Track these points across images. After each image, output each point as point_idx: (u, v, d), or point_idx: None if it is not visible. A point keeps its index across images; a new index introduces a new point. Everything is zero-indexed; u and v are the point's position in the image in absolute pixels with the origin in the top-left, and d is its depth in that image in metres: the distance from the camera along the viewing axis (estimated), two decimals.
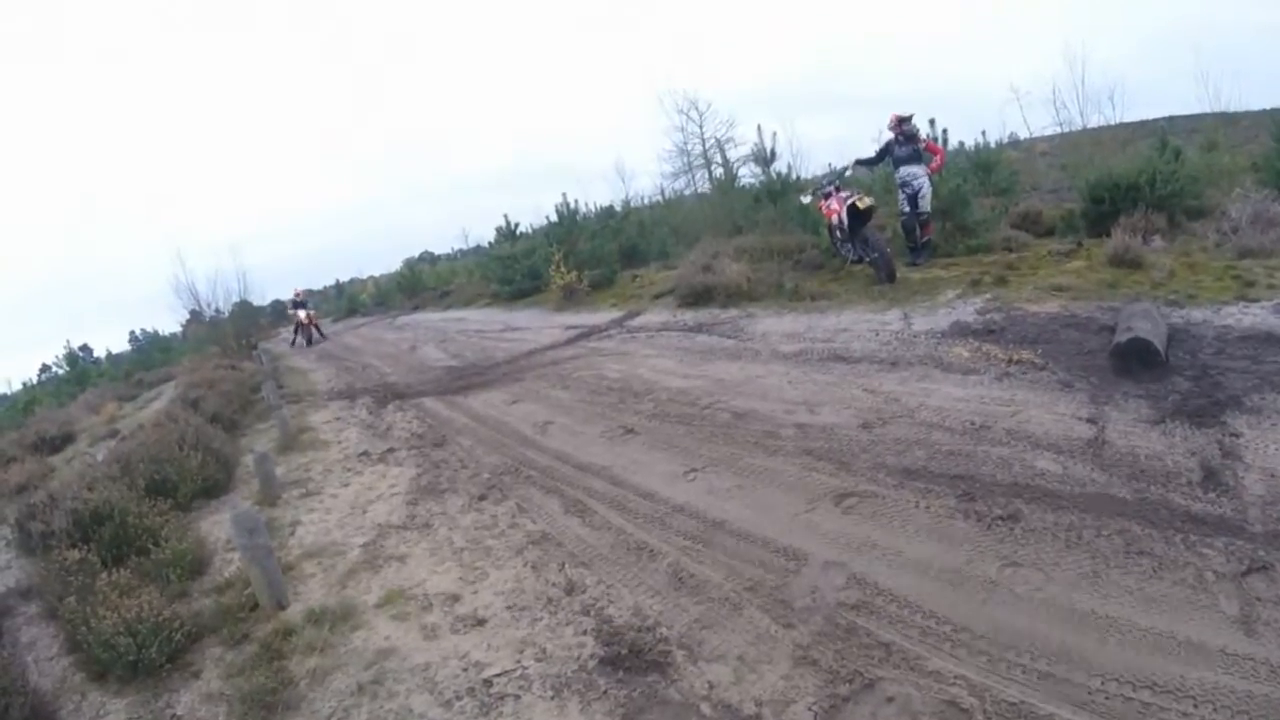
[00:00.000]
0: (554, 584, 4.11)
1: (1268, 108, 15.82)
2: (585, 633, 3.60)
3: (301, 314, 21.85)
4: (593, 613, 3.77)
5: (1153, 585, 3.18)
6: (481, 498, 5.55)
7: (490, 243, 24.00)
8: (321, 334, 22.20)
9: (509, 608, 3.96)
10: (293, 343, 21.88)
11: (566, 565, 4.30)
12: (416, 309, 25.84)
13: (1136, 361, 5.32)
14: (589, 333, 11.35)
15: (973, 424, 5.05)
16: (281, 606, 4.37)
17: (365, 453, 7.33)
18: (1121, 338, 5.51)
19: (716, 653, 3.26)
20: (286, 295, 24.80)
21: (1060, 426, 4.79)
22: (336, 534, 5.38)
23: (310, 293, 24.41)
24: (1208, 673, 2.67)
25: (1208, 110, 16.43)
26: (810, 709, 2.81)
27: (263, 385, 11.33)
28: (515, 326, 14.08)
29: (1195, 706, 2.52)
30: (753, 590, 3.68)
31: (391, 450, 7.26)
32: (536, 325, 13.37)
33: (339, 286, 46.67)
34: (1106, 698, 2.63)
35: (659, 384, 7.48)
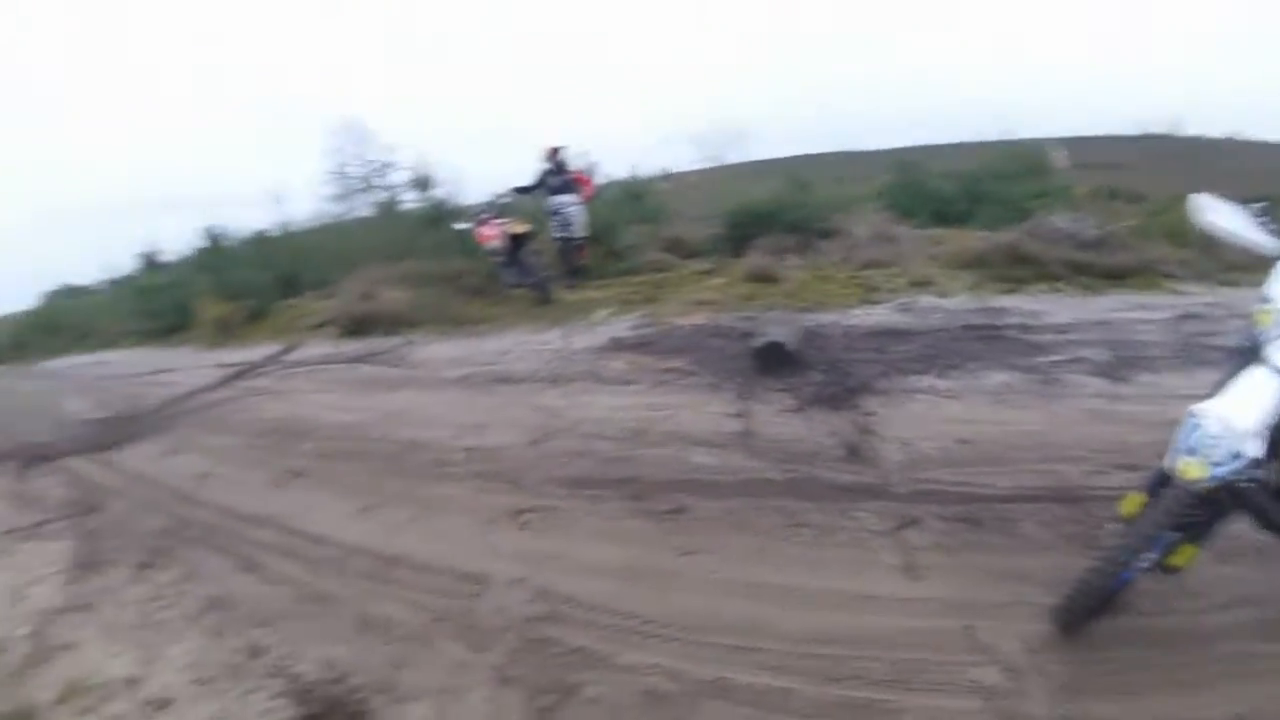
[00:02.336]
0: (236, 650, 3.64)
1: (890, 147, 19.07)
2: (278, 695, 3.24)
3: None
4: (282, 673, 3.39)
5: (817, 551, 3.47)
6: (146, 566, 4.76)
7: (133, 273, 21.10)
8: None
9: (194, 681, 3.47)
10: None
11: (246, 627, 3.82)
12: (56, 353, 21.89)
13: (775, 361, 5.88)
14: (246, 370, 10.33)
15: (633, 430, 5.24)
16: None
17: (13, 529, 5.92)
18: (759, 342, 6.07)
19: (415, 691, 3.09)
20: None
21: (712, 423, 5.12)
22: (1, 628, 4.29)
23: None
24: (885, 618, 2.96)
25: (837, 149, 19.35)
26: None
27: None
28: (165, 368, 12.47)
29: (883, 650, 2.79)
30: (441, 621, 3.51)
31: (44, 522, 5.95)
32: (188, 365, 11.96)
33: None
34: (799, 658, 2.81)
35: (323, 420, 6.98)
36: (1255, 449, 2.37)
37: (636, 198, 13.33)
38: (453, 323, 9.87)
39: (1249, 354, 2.56)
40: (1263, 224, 2.73)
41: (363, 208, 21.80)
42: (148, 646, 3.86)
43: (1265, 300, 2.55)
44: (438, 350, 8.89)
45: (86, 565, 5.01)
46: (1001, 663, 2.70)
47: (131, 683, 3.58)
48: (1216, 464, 2.36)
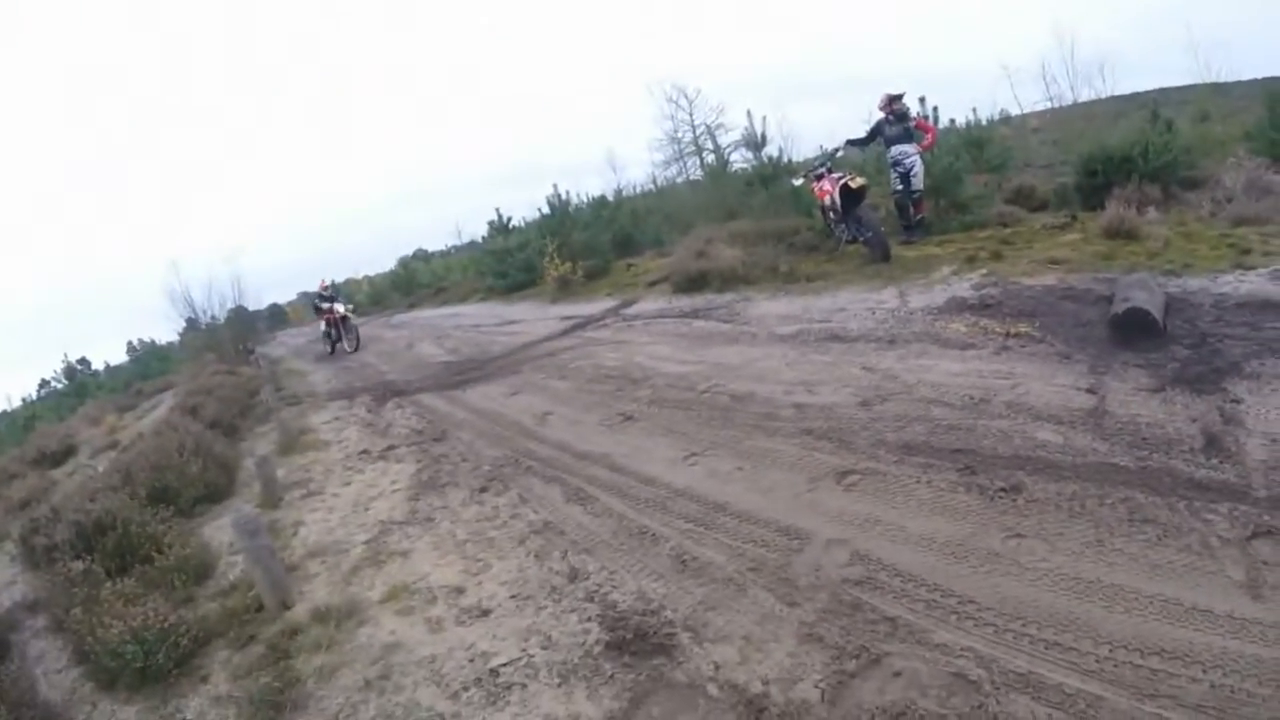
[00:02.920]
0: (557, 572, 4.21)
1: (1259, 77, 16.22)
2: (590, 619, 3.70)
3: (339, 308, 16.99)
4: (596, 599, 3.87)
5: (1157, 552, 3.31)
6: (483, 490, 5.65)
7: (484, 238, 23.93)
8: (356, 337, 16.94)
9: (513, 597, 4.06)
10: (331, 349, 17.11)
11: (569, 553, 4.39)
12: (412, 307, 25.84)
13: (1135, 331, 5.51)
14: (585, 323, 11.46)
15: (972, 398, 5.20)
16: (286, 607, 4.47)
17: (365, 451, 7.42)
18: (1119, 308, 5.70)
19: (722, 634, 3.36)
20: (294, 295, 23.59)
21: (1060, 397, 4.94)
22: (339, 532, 5.48)
23: (336, 286, 19.82)
24: (1215, 638, 2.78)
25: (1199, 81, 16.78)
26: (817, 686, 2.91)
27: (261, 389, 11.37)
28: (511, 320, 14.18)
29: (1204, 672, 2.63)
30: (756, 570, 3.78)
31: (392, 447, 7.35)
32: (532, 317, 13.49)
33: (334, 287, 46.44)
34: (1115, 665, 2.74)
35: (656, 370, 7.60)
36: None
37: (978, 145, 12.56)
38: (785, 279, 10.11)
39: None
40: None
41: (693, 170, 22.79)
42: (475, 561, 4.57)
43: None
44: (769, 307, 9.21)
45: (428, 486, 5.97)
46: None
47: (454, 591, 4.26)
48: None
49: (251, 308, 27.73)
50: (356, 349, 16.33)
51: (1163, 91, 18.12)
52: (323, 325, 17.68)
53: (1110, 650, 2.81)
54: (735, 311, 9.43)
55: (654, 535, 4.37)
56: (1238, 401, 4.46)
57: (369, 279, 42.11)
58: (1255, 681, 2.56)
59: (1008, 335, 6.19)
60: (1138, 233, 7.99)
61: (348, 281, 40.37)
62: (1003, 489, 4.03)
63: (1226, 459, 3.92)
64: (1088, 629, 2.94)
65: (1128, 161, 9.77)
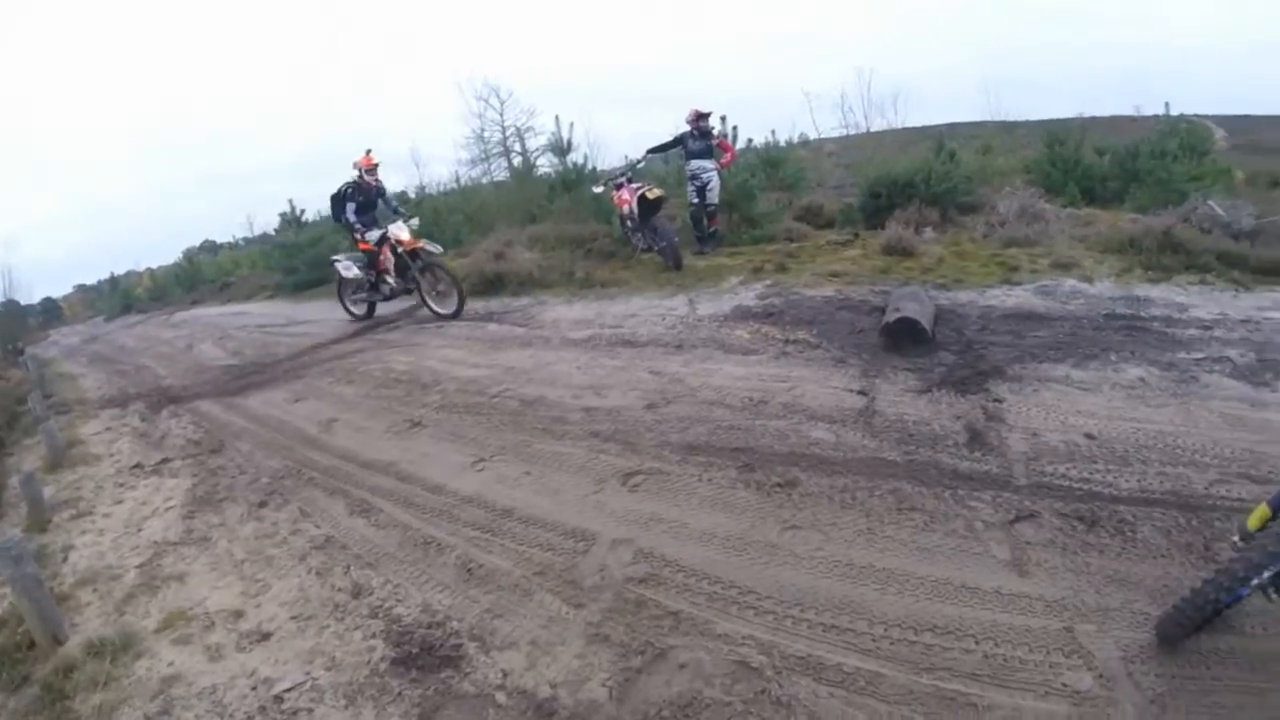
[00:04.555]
0: (340, 589, 3.97)
1: (1044, 118, 18.19)
2: (374, 636, 3.53)
3: (403, 232, 10.23)
4: (381, 614, 3.69)
5: (926, 537, 3.49)
6: (262, 505, 5.22)
7: (275, 230, 22.42)
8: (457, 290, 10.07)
9: (294, 618, 3.79)
10: (369, 311, 11.38)
11: (352, 568, 4.15)
12: (195, 304, 23.67)
13: (905, 339, 5.79)
14: (377, 324, 10.94)
15: (751, 400, 5.31)
16: (59, 641, 3.93)
17: (138, 465, 6.62)
18: (890, 317, 5.97)
19: (509, 640, 3.31)
20: (69, 288, 20.17)
21: (833, 398, 5.13)
22: (111, 556, 4.89)
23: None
24: (984, 612, 2.99)
25: (989, 118, 18.52)
26: (605, 684, 2.94)
27: (29, 395, 9.90)
28: (299, 320, 13.34)
29: (976, 643, 2.85)
30: (542, 574, 3.72)
31: (166, 460, 6.61)
32: (323, 318, 12.73)
33: (113, 280, 41.42)
34: (891, 643, 2.88)
35: (448, 374, 7.34)
36: None
37: (773, 164, 13.20)
38: (581, 285, 10.11)
39: None
40: None
41: (499, 171, 22.48)
42: (254, 582, 4.22)
43: None
44: (565, 311, 9.14)
45: (204, 502, 5.47)
46: (1097, 669, 2.68)
47: (234, 615, 3.92)
48: None
49: (24, 302, 25.32)
50: (459, 311, 9.80)
51: (953, 126, 19.95)
52: (355, 269, 10.78)
53: (886, 629, 2.96)
54: (530, 316, 9.31)
55: (440, 545, 4.18)
56: (1000, 401, 4.76)
57: (151, 272, 38.45)
58: (1026, 649, 2.79)
59: (787, 341, 6.40)
60: (914, 250, 8.51)
61: (128, 274, 36.53)
62: (779, 484, 4.13)
63: (989, 452, 4.16)
64: (863, 611, 3.08)
65: (910, 186, 10.42)
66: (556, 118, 16.15)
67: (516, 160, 20.72)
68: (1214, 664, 2.66)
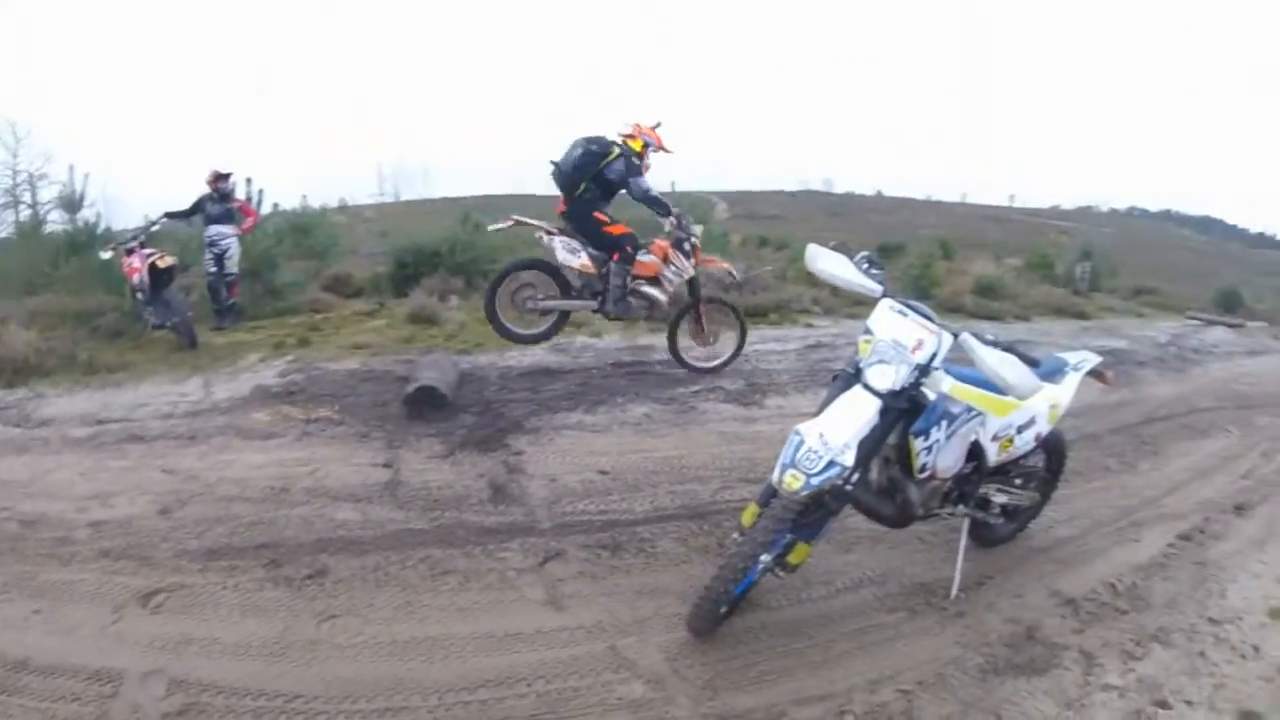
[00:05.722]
0: None
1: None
2: None
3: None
4: None
5: (463, 597, 3.65)
6: None
7: None
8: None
9: None
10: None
11: None
12: None
13: (428, 406, 5.97)
14: None
15: (273, 489, 5.08)
16: None
17: None
18: (410, 387, 6.13)
19: None
20: None
21: (358, 475, 5.11)
22: None
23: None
24: (531, 654, 3.23)
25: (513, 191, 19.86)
26: None
27: None
28: None
29: (529, 686, 3.05)
30: None
31: None
32: None
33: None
34: (447, 709, 2.98)
35: None
36: (849, 459, 2.90)
37: (303, 231, 12.80)
38: (86, 370, 8.78)
39: (851, 378, 3.18)
40: (866, 270, 3.37)
41: (3, 225, 18.56)
42: None
43: (867, 332, 3.17)
44: (66, 405, 7.86)
45: None
46: (645, 675, 3.02)
47: None
48: (812, 474, 2.86)
49: None
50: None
51: (487, 197, 21.10)
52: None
53: (440, 698, 3.05)
54: (26, 413, 7.83)
55: None
56: (520, 453, 5.13)
57: None
58: (576, 677, 3.09)
59: (309, 420, 6.22)
60: (438, 318, 8.85)
61: None
62: (309, 575, 4.00)
63: (513, 503, 4.49)
64: (416, 685, 3.12)
65: (436, 255, 10.87)
66: (71, 166, 13.91)
67: (25, 213, 17.35)
68: (750, 641, 3.19)
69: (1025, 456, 3.74)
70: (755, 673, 3.08)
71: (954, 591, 3.64)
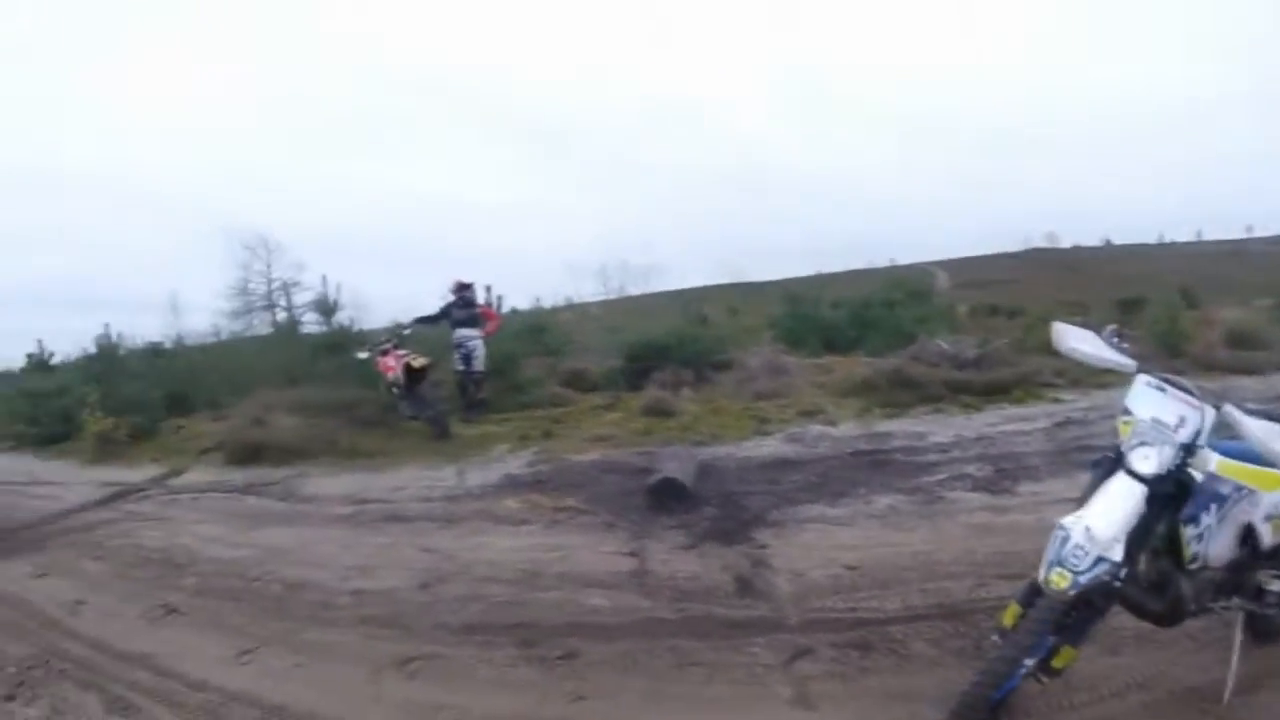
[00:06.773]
0: None
1: (785, 277, 20.42)
2: None
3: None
4: None
5: (711, 689, 3.56)
6: (9, 698, 4.47)
7: (22, 370, 19.68)
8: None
9: None
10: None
11: None
12: None
13: (670, 497, 6.05)
14: (127, 492, 9.76)
15: (526, 572, 5.27)
16: None
17: None
18: (653, 479, 6.25)
19: None
20: None
21: (606, 563, 5.21)
22: None
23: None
24: None
25: (731, 280, 20.35)
26: None
27: None
28: (43, 480, 11.62)
29: None
30: None
31: None
32: (67, 479, 11.18)
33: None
34: None
35: (204, 554, 6.67)
36: (1118, 554, 2.65)
37: (539, 330, 13.71)
38: (346, 455, 9.72)
39: (1113, 463, 2.89)
40: (1115, 344, 3.14)
41: (262, 326, 21.40)
42: None
43: (1126, 413, 2.91)
44: (329, 484, 8.71)
45: None
46: None
47: None
48: (1080, 573, 2.62)
49: None
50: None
51: (705, 289, 21.68)
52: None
53: None
54: (292, 488, 8.76)
55: None
56: (764, 547, 5.05)
57: None
58: None
59: (557, 509, 6.45)
60: (672, 409, 9.04)
61: None
62: (560, 656, 4.07)
63: (759, 597, 4.38)
64: None
65: (665, 349, 11.25)
66: (324, 276, 15.76)
67: (281, 315, 19.90)
68: None
69: None
70: None
71: (1226, 696, 3.17)
